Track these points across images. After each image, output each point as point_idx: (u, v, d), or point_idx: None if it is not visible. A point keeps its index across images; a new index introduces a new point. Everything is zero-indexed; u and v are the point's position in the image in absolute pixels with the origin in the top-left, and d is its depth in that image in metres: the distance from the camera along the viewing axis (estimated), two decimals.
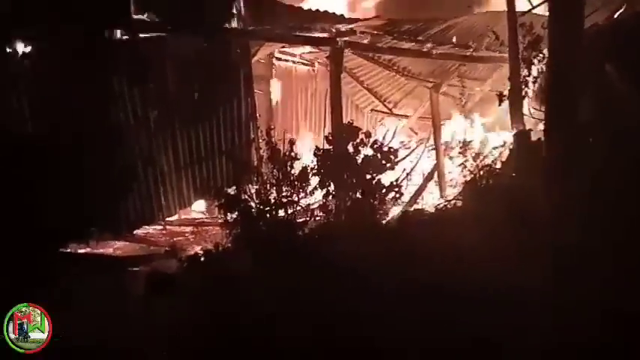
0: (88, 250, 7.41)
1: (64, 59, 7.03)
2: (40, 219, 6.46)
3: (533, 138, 7.22)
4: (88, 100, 7.15)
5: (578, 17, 6.18)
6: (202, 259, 5.81)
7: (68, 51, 7.03)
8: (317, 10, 9.24)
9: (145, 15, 7.66)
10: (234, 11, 8.26)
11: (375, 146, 6.49)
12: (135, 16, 7.60)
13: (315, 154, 6.53)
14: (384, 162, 6.47)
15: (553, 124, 6.21)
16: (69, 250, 7.15)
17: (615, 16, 8.55)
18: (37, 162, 6.80)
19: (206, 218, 8.79)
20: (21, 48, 6.99)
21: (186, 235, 8.16)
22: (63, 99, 7.02)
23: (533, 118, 7.74)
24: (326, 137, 6.93)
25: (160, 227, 8.33)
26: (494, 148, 8.43)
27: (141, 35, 7.71)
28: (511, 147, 7.85)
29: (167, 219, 8.29)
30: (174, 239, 7.77)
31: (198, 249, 6.81)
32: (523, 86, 7.61)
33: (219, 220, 7.67)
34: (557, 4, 6.24)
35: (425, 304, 4.56)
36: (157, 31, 7.81)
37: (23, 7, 6.89)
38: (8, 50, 6.92)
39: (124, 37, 7.62)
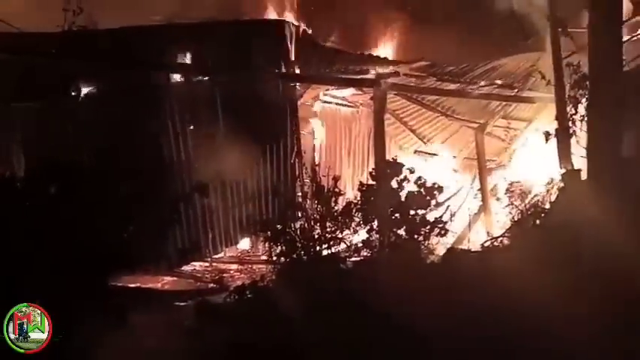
0: (138, 284, 7.61)
1: (121, 99, 7.46)
2: (93, 252, 6.72)
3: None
4: (140, 139, 7.53)
5: (617, 55, 6.29)
6: (248, 291, 5.86)
7: (125, 92, 7.47)
8: (361, 53, 9.49)
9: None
10: (282, 55, 8.59)
11: (419, 182, 6.48)
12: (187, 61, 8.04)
13: (359, 189, 6.58)
14: (428, 198, 6.44)
15: (594, 159, 6.20)
16: (120, 284, 7.36)
17: None
18: (88, 196, 7.12)
19: (251, 255, 8.90)
20: (83, 89, 7.49)
21: (232, 271, 8.28)
22: (117, 137, 7.42)
23: (583, 157, 7.59)
24: (370, 173, 6.98)
25: (207, 264, 8.49)
26: (543, 186, 8.26)
27: (193, 78, 8.13)
28: (560, 186, 7.69)
29: (213, 256, 8.45)
30: (221, 275, 7.88)
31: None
32: (570, 124, 7.51)
33: (264, 257, 7.80)
34: (596, 43, 6.30)
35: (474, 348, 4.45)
36: (207, 74, 8.21)
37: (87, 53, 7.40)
38: (73, 92, 7.41)
39: (177, 80, 8.05)
